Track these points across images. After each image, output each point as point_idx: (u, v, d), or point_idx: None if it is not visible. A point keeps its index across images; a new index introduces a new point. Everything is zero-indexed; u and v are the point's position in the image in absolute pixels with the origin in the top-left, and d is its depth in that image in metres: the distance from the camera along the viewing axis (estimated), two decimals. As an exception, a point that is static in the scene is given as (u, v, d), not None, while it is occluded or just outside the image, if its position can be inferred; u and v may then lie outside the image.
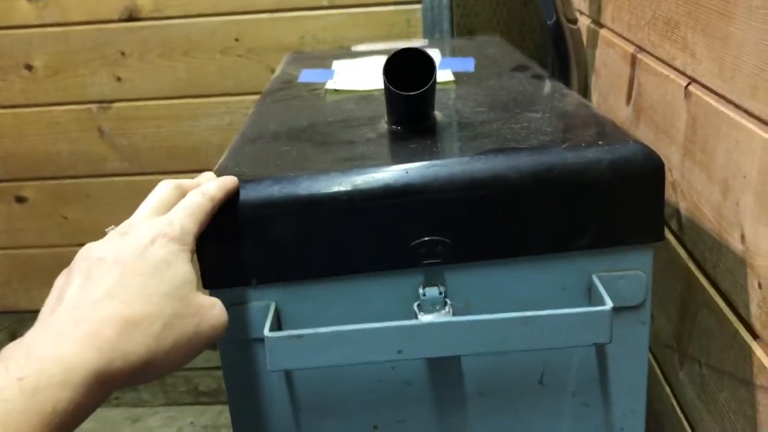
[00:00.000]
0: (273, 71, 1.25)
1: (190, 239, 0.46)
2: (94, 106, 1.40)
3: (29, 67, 1.37)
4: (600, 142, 0.54)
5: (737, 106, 0.52)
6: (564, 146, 0.54)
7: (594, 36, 0.95)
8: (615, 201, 0.53)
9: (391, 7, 1.29)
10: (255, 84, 1.33)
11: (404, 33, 1.28)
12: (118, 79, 1.37)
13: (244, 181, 0.52)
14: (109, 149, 1.41)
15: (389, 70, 0.59)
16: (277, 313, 0.55)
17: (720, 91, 0.55)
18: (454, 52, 0.98)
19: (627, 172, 0.52)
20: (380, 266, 0.53)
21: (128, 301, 0.41)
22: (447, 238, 0.53)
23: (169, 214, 0.47)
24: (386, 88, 0.59)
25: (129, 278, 0.42)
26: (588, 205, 0.53)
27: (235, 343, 0.56)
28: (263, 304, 0.54)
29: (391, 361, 0.52)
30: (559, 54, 1.00)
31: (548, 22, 1.00)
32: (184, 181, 0.51)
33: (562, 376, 0.58)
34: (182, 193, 0.50)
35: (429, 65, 0.58)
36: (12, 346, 0.38)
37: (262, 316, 0.54)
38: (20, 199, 1.47)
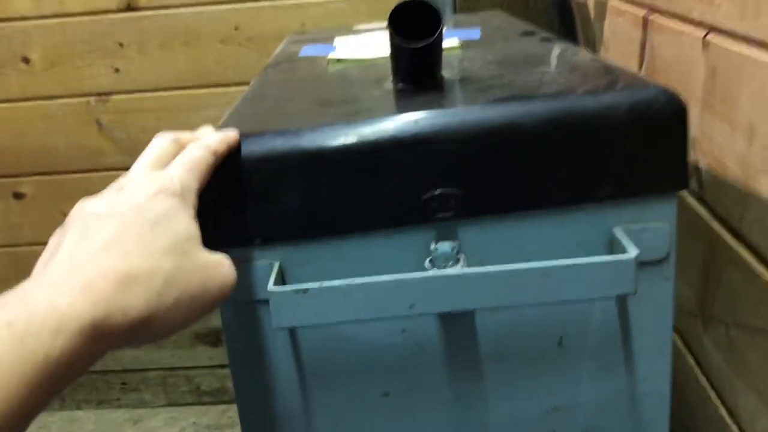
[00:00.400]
0: (274, 58, 1.23)
1: (191, 195, 0.44)
2: (92, 99, 1.37)
3: (26, 60, 1.35)
4: (618, 87, 0.51)
5: (762, 44, 0.50)
6: (581, 92, 0.51)
7: (602, 9, 0.93)
8: (636, 147, 0.50)
9: (393, -8, 1.27)
10: (256, 73, 1.31)
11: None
12: (117, 70, 1.35)
13: (245, 135, 0.50)
14: (108, 143, 1.39)
15: (394, 24, 0.57)
16: (281, 272, 0.52)
17: (743, 32, 0.53)
18: (458, 25, 0.96)
19: (648, 116, 0.50)
20: (390, 222, 0.51)
21: (126, 255, 0.38)
22: (459, 190, 0.50)
23: (168, 169, 0.44)
24: (391, 40, 0.57)
25: (127, 231, 0.39)
26: (608, 153, 0.50)
27: (237, 305, 0.53)
28: (266, 263, 0.52)
29: (403, 316, 0.49)
30: (566, 28, 0.98)
31: (554, -2, 0.98)
32: (183, 134, 0.48)
33: (583, 337, 0.55)
34: (181, 147, 0.47)
35: (435, 18, 0.56)
36: (6, 295, 0.36)
37: (265, 276, 0.51)
38: (18, 195, 1.45)
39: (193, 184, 0.44)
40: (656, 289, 0.53)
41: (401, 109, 0.54)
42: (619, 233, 0.51)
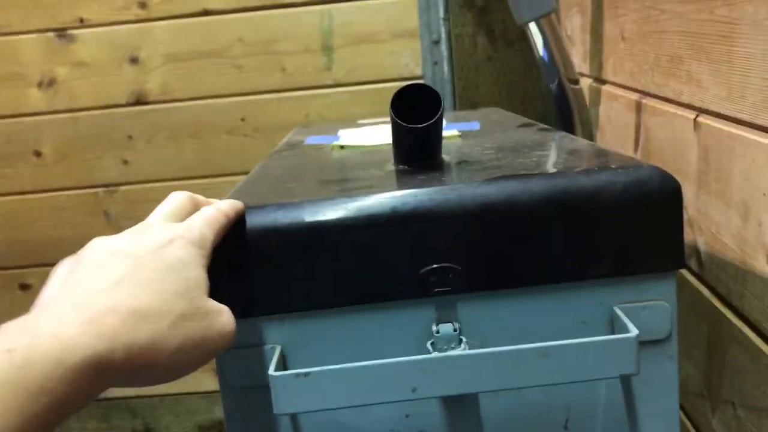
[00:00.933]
0: (278, 147, 1.26)
1: (208, 245, 0.44)
2: (100, 190, 1.40)
3: (38, 153, 1.39)
4: (613, 167, 0.52)
5: (750, 125, 0.51)
6: (577, 171, 0.52)
7: (597, 94, 0.95)
8: (632, 225, 0.51)
9: (395, 83, 1.31)
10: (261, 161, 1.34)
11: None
12: (125, 162, 1.38)
13: (248, 207, 0.51)
14: (115, 233, 1.40)
15: (396, 107, 0.59)
16: (282, 356, 0.52)
17: (731, 113, 0.54)
18: (458, 120, 0.99)
19: (642, 195, 0.50)
20: (389, 296, 0.51)
21: (138, 293, 0.38)
22: (458, 265, 0.50)
23: (187, 221, 0.45)
24: (393, 122, 0.59)
25: (141, 272, 0.39)
26: (604, 230, 0.51)
27: (238, 390, 0.52)
28: (268, 347, 0.52)
29: (406, 401, 0.48)
30: (564, 115, 1.01)
31: (551, 85, 1.01)
32: (196, 195, 0.50)
33: (589, 419, 0.54)
34: (196, 205, 0.48)
35: (436, 101, 0.58)
36: (8, 324, 0.35)
37: (267, 360, 0.51)
38: (24, 287, 1.46)
39: (210, 236, 0.45)
40: (660, 368, 0.53)
41: (400, 186, 0.55)
42: (619, 311, 0.51)
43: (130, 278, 0.38)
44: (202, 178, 1.37)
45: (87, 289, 0.38)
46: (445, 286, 0.51)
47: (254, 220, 0.50)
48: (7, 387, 0.31)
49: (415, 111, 0.59)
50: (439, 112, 0.58)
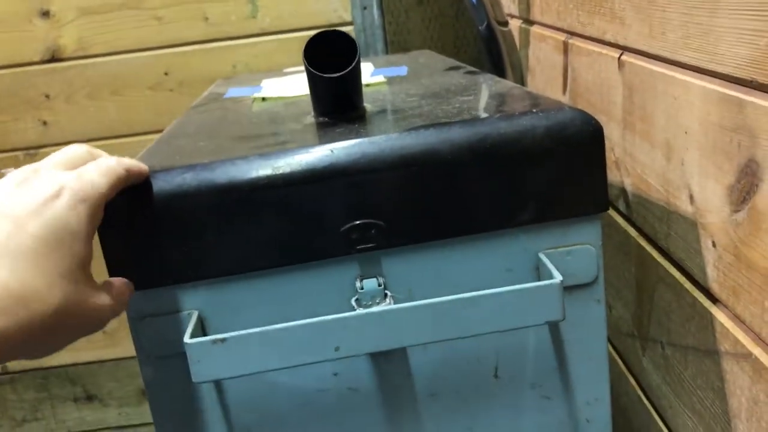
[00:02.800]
0: (205, 102, 1.21)
1: (99, 198, 0.39)
2: (20, 154, 1.33)
3: (-51, 117, 1.31)
4: (534, 111, 0.51)
5: (671, 62, 0.50)
6: (497, 116, 0.50)
7: (526, 35, 0.94)
8: (554, 170, 0.50)
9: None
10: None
11: (338, 56, 1.26)
12: (44, 123, 1.32)
13: (153, 171, 0.48)
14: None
15: (311, 57, 0.56)
16: (200, 322, 0.50)
17: (653, 51, 0.53)
18: (387, 64, 0.96)
19: (564, 138, 0.49)
20: (310, 256, 0.49)
21: (20, 270, 0.34)
22: (380, 220, 0.49)
23: (79, 168, 0.40)
24: (308, 72, 0.56)
25: (22, 238, 0.35)
26: (526, 176, 0.50)
27: (157, 359, 0.50)
28: (185, 313, 0.49)
29: (329, 360, 0.47)
30: (493, 58, 0.99)
31: (480, 27, 0.99)
32: (97, 150, 0.45)
33: (518, 366, 0.53)
34: (94, 157, 0.43)
35: (351, 47, 0.55)
36: None
37: (183, 327, 0.49)
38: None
39: (103, 188, 0.40)
40: (588, 312, 0.52)
41: (318, 140, 0.53)
42: (544, 258, 0.50)
43: (9, 247, 0.35)
44: (127, 137, 1.32)
45: None
46: (367, 242, 0.49)
47: (161, 184, 0.47)
48: None
49: (332, 59, 0.57)
50: (355, 61, 0.55)
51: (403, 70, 0.84)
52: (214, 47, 1.28)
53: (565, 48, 0.76)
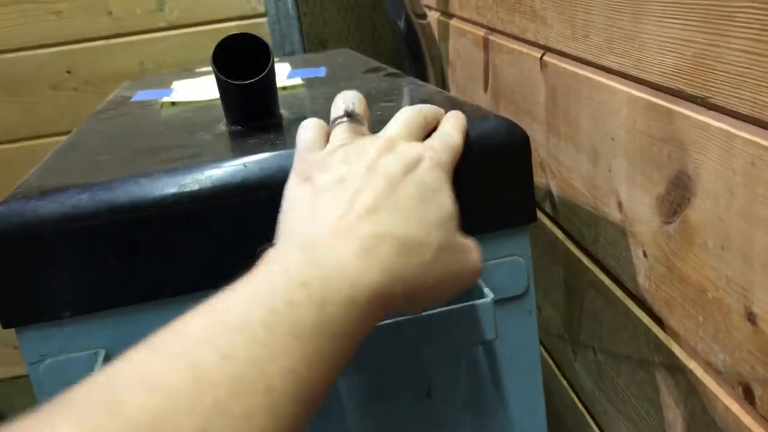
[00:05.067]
0: (112, 101, 1.15)
1: (450, 170, 0.41)
2: None
3: None
4: (459, 119, 0.48)
5: (595, 66, 0.49)
6: (419, 127, 0.48)
7: (445, 28, 0.91)
8: (480, 181, 0.47)
9: (235, 23, 1.22)
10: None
11: (253, 49, 1.21)
12: (-64, 127, 1.22)
13: (43, 192, 0.43)
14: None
15: (220, 62, 0.52)
16: (108, 360, 0.45)
17: (575, 53, 0.51)
18: (304, 64, 0.92)
19: (490, 148, 0.47)
20: (226, 280, 0.45)
21: (401, 222, 0.35)
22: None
23: (427, 141, 0.42)
24: (218, 79, 0.52)
25: (399, 196, 0.37)
26: (452, 187, 0.47)
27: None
28: (89, 353, 0.45)
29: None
30: (413, 52, 0.97)
31: (398, 22, 0.96)
32: (424, 107, 0.45)
33: (451, 384, 0.52)
34: (425, 118, 0.44)
35: (265, 51, 0.52)
36: (280, 250, 0.34)
37: (90, 368, 0.44)
38: None
39: (450, 161, 0.42)
40: (519, 325, 0.51)
41: (230, 153, 0.49)
42: (474, 273, 0.49)
43: (390, 203, 0.36)
44: (29, 140, 1.24)
45: (345, 211, 0.35)
46: (285, 265, 0.46)
47: (53, 207, 0.42)
48: (313, 329, 0.29)
49: (244, 62, 0.53)
50: (268, 67, 0.51)
51: (321, 71, 0.81)
52: (119, 43, 1.21)
53: (486, 44, 0.74)
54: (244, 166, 0.45)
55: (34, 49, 1.20)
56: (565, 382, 0.66)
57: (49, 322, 0.44)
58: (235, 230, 0.45)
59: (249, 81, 0.51)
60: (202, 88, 0.78)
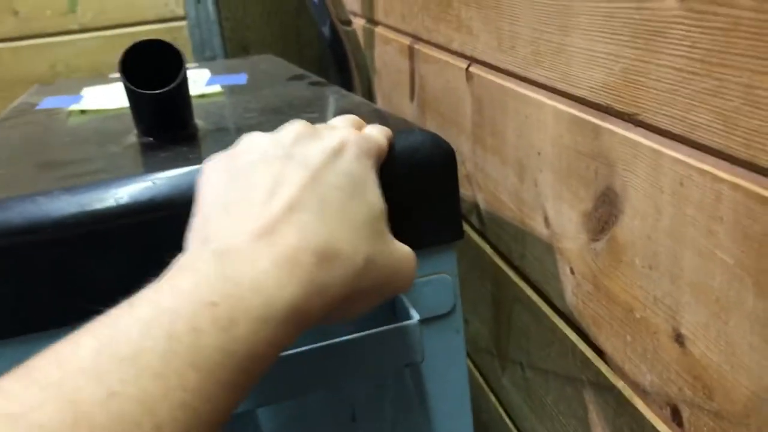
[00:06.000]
0: (20, 106, 1.08)
1: (381, 156, 0.39)
2: None
3: None
4: (382, 133, 0.47)
5: (522, 78, 0.48)
6: (342, 141, 0.46)
7: (370, 35, 0.90)
8: (405, 197, 0.46)
9: (153, 26, 1.17)
10: None
11: (172, 54, 1.16)
12: None
13: None
14: None
15: (127, 68, 0.49)
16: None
17: (502, 65, 0.51)
18: (226, 70, 0.89)
19: (415, 162, 0.45)
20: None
21: (327, 225, 0.32)
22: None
23: (366, 129, 0.40)
24: (126, 88, 0.49)
25: (322, 190, 0.33)
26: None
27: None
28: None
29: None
30: (338, 59, 0.95)
31: (322, 28, 0.94)
32: (349, 116, 0.42)
33: (376, 406, 0.50)
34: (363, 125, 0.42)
35: (177, 58, 0.49)
36: (191, 256, 0.31)
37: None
38: None
39: (383, 145, 0.40)
40: (446, 343, 0.49)
41: (137, 168, 0.46)
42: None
43: (313, 202, 0.32)
44: (-72, 147, 1.15)
45: (264, 208, 0.32)
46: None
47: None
48: (216, 353, 0.26)
49: (156, 69, 0.50)
50: (180, 75, 0.49)
51: (242, 78, 0.78)
52: (27, 45, 1.15)
53: (411, 53, 0.73)
54: (153, 183, 0.42)
55: (-69, 50, 1.13)
56: (492, 397, 0.65)
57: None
58: (141, 253, 0.42)
59: (159, 91, 0.48)
60: (114, 95, 0.74)
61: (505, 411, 0.63)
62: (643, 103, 0.34)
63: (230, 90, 0.71)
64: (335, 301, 0.31)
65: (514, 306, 0.56)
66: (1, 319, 0.40)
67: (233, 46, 1.18)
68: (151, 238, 0.41)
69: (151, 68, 0.50)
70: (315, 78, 0.74)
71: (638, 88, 0.34)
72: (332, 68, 0.95)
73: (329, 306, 0.31)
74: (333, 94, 0.64)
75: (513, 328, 0.57)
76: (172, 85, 0.48)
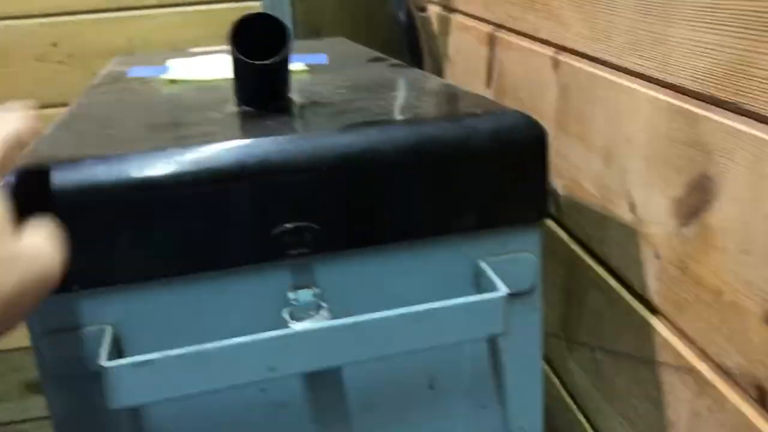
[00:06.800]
0: (99, 77, 1.12)
1: None
2: None
3: None
4: (478, 113, 0.49)
5: (615, 67, 0.49)
6: (443, 117, 0.48)
7: (445, 23, 0.91)
8: (497, 176, 0.48)
9: (229, 5, 1.20)
10: (79, 93, 1.19)
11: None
12: None
13: (58, 161, 0.42)
14: None
15: (236, 39, 0.51)
16: (115, 338, 0.45)
17: (594, 54, 0.52)
18: (302, 51, 0.91)
19: (510, 142, 0.47)
20: (237, 261, 0.45)
21: None
22: (315, 223, 0.45)
23: None
24: (234, 58, 0.51)
25: None
26: (469, 181, 0.47)
27: (62, 381, 0.45)
28: (96, 328, 0.44)
29: (264, 381, 0.43)
30: (411, 45, 0.96)
31: (398, 13, 0.96)
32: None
33: (454, 377, 0.52)
34: None
35: (281, 33, 0.51)
36: None
37: (96, 344, 0.43)
38: None
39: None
40: (525, 321, 0.51)
41: (246, 133, 0.49)
42: (485, 266, 0.49)
43: None
44: (10, 112, 1.20)
45: None
46: (300, 247, 0.45)
47: (68, 177, 0.41)
48: None
49: (257, 43, 0.52)
50: (287, 47, 0.51)
51: (323, 58, 0.80)
52: (108, 17, 1.19)
53: (491, 40, 0.74)
54: (263, 146, 0.45)
55: (19, 19, 1.17)
56: (556, 381, 0.67)
57: (56, 294, 0.43)
58: (250, 212, 0.44)
59: (267, 61, 0.51)
60: (199, 67, 0.77)
61: (569, 393, 0.64)
62: (747, 92, 0.36)
63: (313, 68, 0.73)
64: None
65: (589, 291, 0.57)
66: (119, 264, 0.43)
67: (304, 28, 1.20)
68: (261, 198, 0.44)
69: (249, 42, 0.53)
70: (394, 60, 0.76)
71: (743, 77, 0.36)
72: (405, 53, 0.97)
73: None
74: (416, 76, 0.66)
75: (586, 312, 0.58)
76: (279, 56, 0.50)
